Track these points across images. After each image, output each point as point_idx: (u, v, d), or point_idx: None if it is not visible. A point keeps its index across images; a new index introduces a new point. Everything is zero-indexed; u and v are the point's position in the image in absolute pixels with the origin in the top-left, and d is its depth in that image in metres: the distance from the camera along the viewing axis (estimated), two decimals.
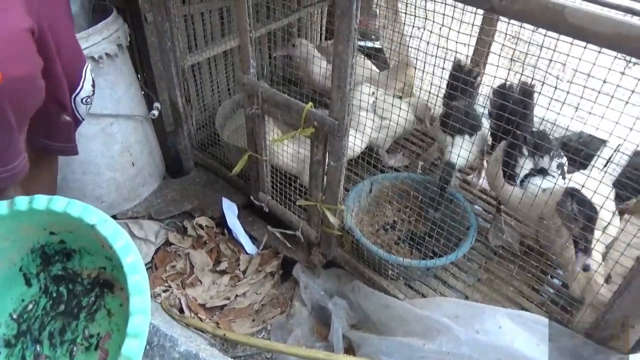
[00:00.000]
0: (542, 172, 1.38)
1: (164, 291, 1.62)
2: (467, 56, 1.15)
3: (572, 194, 1.17)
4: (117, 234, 0.93)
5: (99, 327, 1.10)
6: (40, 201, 0.96)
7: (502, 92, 1.48)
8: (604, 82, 0.85)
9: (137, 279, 0.90)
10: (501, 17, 1.32)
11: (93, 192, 1.74)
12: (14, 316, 1.09)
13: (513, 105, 1.34)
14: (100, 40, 1.51)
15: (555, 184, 1.29)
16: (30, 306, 1.10)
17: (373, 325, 1.49)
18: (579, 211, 1.14)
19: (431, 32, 1.04)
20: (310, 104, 1.33)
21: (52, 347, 1.09)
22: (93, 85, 1.25)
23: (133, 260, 0.92)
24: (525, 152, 1.39)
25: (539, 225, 1.39)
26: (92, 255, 1.13)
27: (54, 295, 1.13)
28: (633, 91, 0.83)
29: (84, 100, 1.23)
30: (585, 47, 0.84)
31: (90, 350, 1.08)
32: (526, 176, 1.40)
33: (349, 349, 1.48)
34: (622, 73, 0.84)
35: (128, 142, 1.76)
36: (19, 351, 1.07)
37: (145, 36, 1.73)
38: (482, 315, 1.20)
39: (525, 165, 1.39)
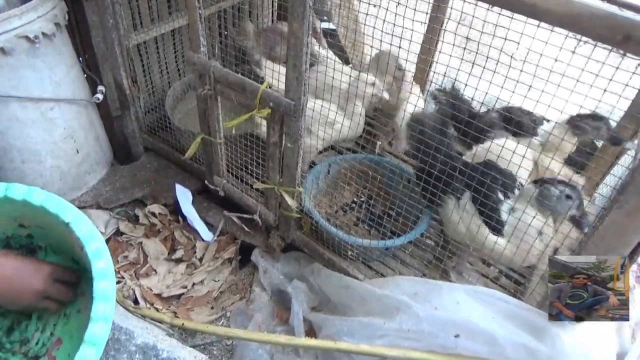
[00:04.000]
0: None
1: (117, 283, 1.56)
2: (413, 30, 1.12)
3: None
4: (92, 236, 0.87)
5: (50, 331, 1.04)
6: (18, 190, 0.89)
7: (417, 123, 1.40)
8: (556, 60, 0.86)
9: (105, 286, 0.84)
10: None
11: (35, 182, 1.63)
12: None
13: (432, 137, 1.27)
14: (36, 18, 1.40)
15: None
16: None
17: (334, 306, 1.49)
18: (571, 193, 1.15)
19: (379, 6, 1.03)
20: (266, 83, 1.30)
21: None
22: None
23: (104, 265, 0.86)
24: (502, 195, 1.29)
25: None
26: (58, 255, 1.06)
27: None
28: (583, 69, 0.85)
29: None
30: (538, 26, 0.85)
31: (38, 357, 1.02)
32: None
33: (310, 332, 1.49)
34: (573, 52, 0.85)
35: (71, 127, 1.66)
36: None
37: (85, 15, 1.62)
38: (439, 292, 1.22)
39: (506, 208, 1.29)
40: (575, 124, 1.38)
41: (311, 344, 1.22)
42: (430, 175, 1.30)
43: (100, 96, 1.71)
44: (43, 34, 1.42)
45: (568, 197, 1.17)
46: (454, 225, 1.36)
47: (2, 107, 1.44)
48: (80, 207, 1.74)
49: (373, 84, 1.63)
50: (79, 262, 1.04)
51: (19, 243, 1.05)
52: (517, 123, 1.43)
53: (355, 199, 1.75)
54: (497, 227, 1.27)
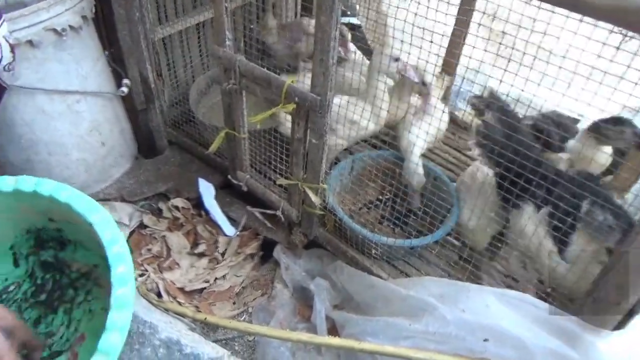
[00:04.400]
0: None
1: (141, 275, 1.57)
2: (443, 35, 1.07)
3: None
4: (115, 239, 0.85)
5: (75, 326, 1.04)
6: (45, 186, 0.89)
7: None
8: (598, 56, 0.82)
9: (124, 292, 0.82)
10: None
11: (61, 174, 1.65)
12: None
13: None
14: (63, 11, 1.40)
15: None
16: (12, 287, 1.04)
17: (356, 305, 1.47)
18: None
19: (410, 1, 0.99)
20: (291, 78, 1.28)
21: None
22: (12, 51, 1.18)
23: (124, 271, 0.84)
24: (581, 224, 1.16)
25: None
26: (87, 250, 1.06)
27: (39, 282, 1.06)
28: (628, 66, 0.80)
29: (5, 67, 1.18)
30: (581, 21, 0.81)
31: (61, 352, 1.02)
32: None
33: (332, 330, 1.47)
34: (618, 48, 0.81)
35: (97, 120, 1.67)
36: None
37: (111, 8, 1.62)
38: (467, 294, 1.19)
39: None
40: (597, 130, 1.29)
41: (334, 343, 1.21)
42: (511, 172, 1.18)
43: (125, 89, 1.72)
44: (70, 26, 1.43)
45: (610, 228, 1.08)
46: (525, 235, 1.25)
47: (29, 100, 1.45)
48: (104, 200, 1.76)
49: (397, 60, 1.55)
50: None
51: (50, 235, 1.05)
52: (546, 138, 1.34)
53: (380, 197, 1.72)
54: (563, 248, 1.17)
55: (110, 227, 0.86)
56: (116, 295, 0.80)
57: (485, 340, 1.08)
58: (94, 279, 1.07)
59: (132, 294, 0.82)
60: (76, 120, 1.60)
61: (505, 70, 0.96)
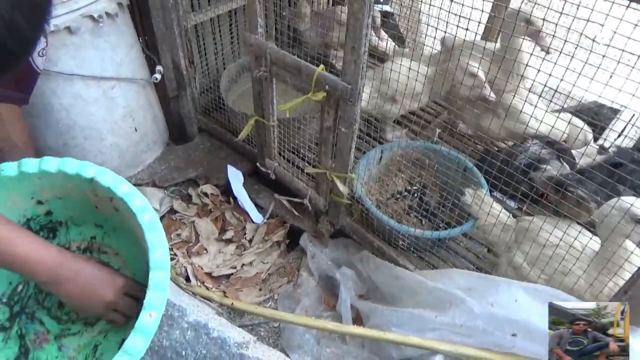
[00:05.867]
0: None
1: (170, 259, 1.60)
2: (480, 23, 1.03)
3: None
4: (118, 181, 0.88)
5: None
6: (30, 164, 0.89)
7: None
8: None
9: (149, 218, 0.86)
10: None
11: (95, 158, 1.69)
12: (4, 300, 1.01)
13: None
14: None
15: None
16: (20, 287, 1.03)
17: (382, 295, 1.47)
18: None
19: None
20: (322, 66, 1.27)
21: (55, 320, 1.05)
22: (45, 37, 1.21)
23: (141, 203, 0.87)
24: None
25: None
26: (79, 226, 1.07)
27: None
28: None
29: (40, 52, 1.19)
30: (627, 6, 0.77)
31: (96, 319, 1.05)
32: None
33: (357, 319, 1.47)
34: None
35: (130, 107, 1.70)
36: (16, 332, 1.00)
37: None
38: (496, 288, 1.17)
39: None
40: None
41: (360, 333, 1.21)
42: None
43: (158, 76, 1.74)
44: (107, 13, 1.45)
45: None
46: None
47: (67, 85, 1.49)
48: (136, 185, 1.79)
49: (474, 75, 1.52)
50: (104, 225, 1.06)
51: (39, 224, 1.04)
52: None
53: (408, 187, 1.70)
54: None
55: (109, 174, 0.89)
56: (144, 222, 0.85)
57: (514, 335, 1.06)
58: (97, 249, 1.08)
59: (158, 220, 0.87)
60: (111, 106, 1.63)
61: (543, 59, 0.93)
